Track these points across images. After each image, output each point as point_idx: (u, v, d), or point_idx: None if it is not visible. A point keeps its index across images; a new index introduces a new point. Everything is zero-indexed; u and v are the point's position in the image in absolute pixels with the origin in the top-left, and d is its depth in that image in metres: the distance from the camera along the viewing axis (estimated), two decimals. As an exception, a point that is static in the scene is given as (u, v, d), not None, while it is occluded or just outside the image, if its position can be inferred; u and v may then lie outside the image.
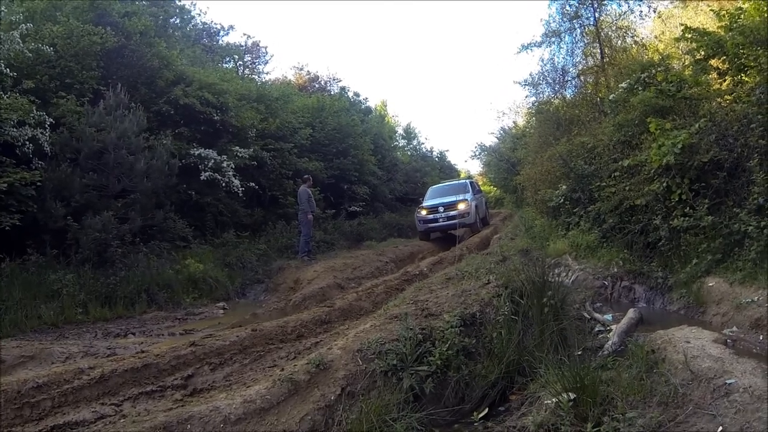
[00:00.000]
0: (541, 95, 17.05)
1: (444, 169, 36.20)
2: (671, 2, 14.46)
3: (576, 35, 14.82)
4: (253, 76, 26.33)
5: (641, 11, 14.39)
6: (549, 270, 5.79)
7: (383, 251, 14.10)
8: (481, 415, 4.08)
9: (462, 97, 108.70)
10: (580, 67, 15.25)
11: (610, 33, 14.57)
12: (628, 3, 14.22)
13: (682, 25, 8.19)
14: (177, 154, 11.74)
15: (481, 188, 23.79)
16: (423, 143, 39.23)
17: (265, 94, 17.00)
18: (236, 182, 12.90)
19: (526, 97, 34.50)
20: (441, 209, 15.83)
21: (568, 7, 14.41)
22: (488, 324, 5.08)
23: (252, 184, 13.91)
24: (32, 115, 9.09)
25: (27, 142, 8.93)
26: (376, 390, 4.11)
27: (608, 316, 5.76)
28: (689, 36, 7.64)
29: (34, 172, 8.86)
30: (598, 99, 13.29)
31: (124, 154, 10.04)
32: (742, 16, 7.33)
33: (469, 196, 16.56)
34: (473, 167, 45.10)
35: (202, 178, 12.33)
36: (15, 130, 8.81)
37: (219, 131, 13.61)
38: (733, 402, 2.93)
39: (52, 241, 8.88)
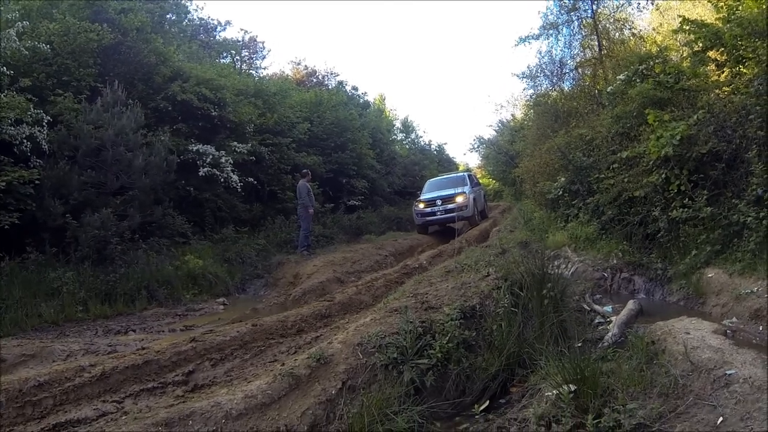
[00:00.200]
0: (539, 88, 17.10)
1: (442, 163, 36.11)
2: (669, -7, 14.44)
3: (574, 27, 14.83)
4: (251, 71, 26.26)
5: (639, 3, 14.45)
6: (548, 262, 5.80)
7: (382, 245, 14.09)
8: (482, 408, 4.09)
9: (460, 90, 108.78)
10: (578, 59, 15.24)
11: (607, 25, 14.56)
12: (625, -6, 14.22)
13: (680, 16, 8.17)
14: (175, 151, 11.72)
15: (480, 181, 23.75)
16: (421, 136, 39.22)
17: (262, 89, 16.98)
18: (235, 178, 12.89)
19: (524, 89, 34.52)
20: (439, 202, 15.79)
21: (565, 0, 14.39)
22: (488, 316, 5.08)
23: (250, 179, 13.91)
24: (29, 113, 9.06)
25: (25, 141, 8.91)
26: (377, 383, 4.11)
27: (608, 308, 5.78)
28: (687, 28, 7.63)
29: (32, 171, 8.84)
30: (596, 91, 13.28)
31: (122, 151, 10.02)
32: (740, 7, 7.31)
33: (467, 188, 16.49)
34: (472, 160, 45.12)
35: (200, 173, 12.33)
36: (12, 128, 8.79)
37: (217, 127, 13.58)
38: (734, 393, 2.94)
39: (52, 239, 8.87)
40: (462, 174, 19.57)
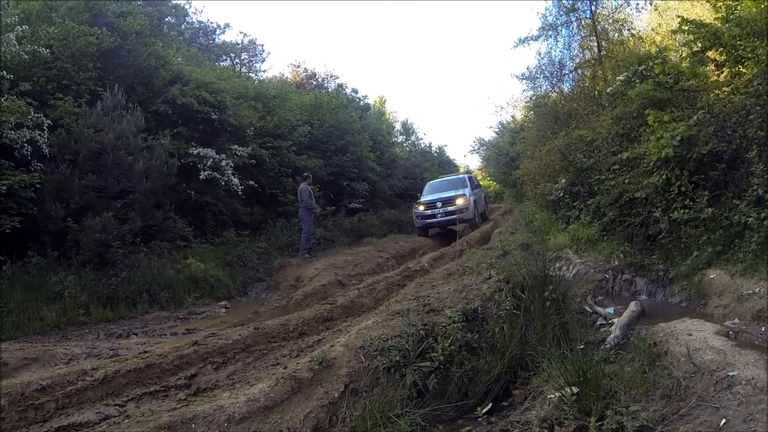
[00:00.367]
0: (538, 89, 17.12)
1: (443, 165, 36.12)
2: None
3: (573, 28, 14.83)
4: (251, 74, 26.33)
5: (638, 4, 14.45)
6: (550, 264, 5.81)
7: (384, 247, 14.10)
8: (484, 411, 4.09)
9: (460, 92, 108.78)
10: (578, 60, 15.25)
11: (606, 26, 14.57)
12: (624, -5, 14.23)
13: (678, 17, 8.17)
14: (176, 154, 11.73)
15: (481, 183, 23.75)
16: (422, 139, 39.30)
17: (262, 92, 16.99)
18: (235, 181, 12.89)
19: (523, 91, 34.68)
20: (439, 204, 15.79)
21: (564, 1, 14.41)
22: (490, 319, 5.09)
23: (251, 182, 13.90)
24: (30, 117, 9.06)
25: (25, 145, 8.91)
26: (380, 386, 4.12)
27: (610, 310, 5.77)
28: (686, 28, 7.62)
29: (33, 174, 8.84)
30: (596, 92, 13.29)
31: (122, 155, 10.02)
32: (739, 7, 7.32)
33: (467, 191, 16.45)
34: (472, 162, 45.20)
35: (201, 177, 12.32)
36: (13, 132, 8.79)
37: (217, 130, 13.59)
38: (736, 394, 2.94)
39: (53, 242, 8.86)
40: (462, 176, 19.54)
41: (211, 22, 26.85)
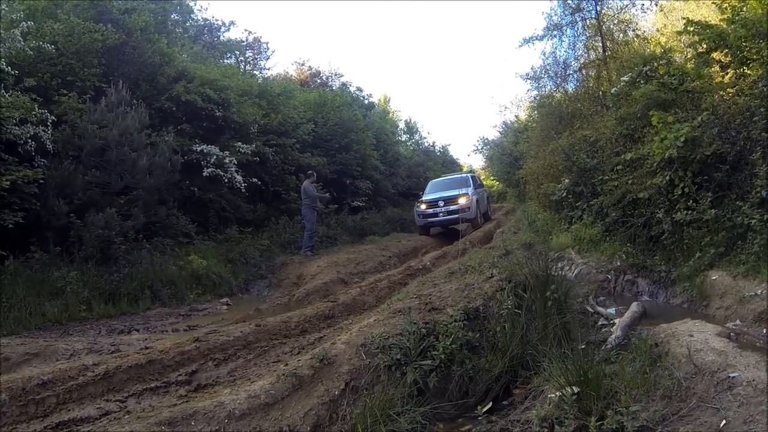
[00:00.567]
0: (543, 89, 17.11)
1: (446, 164, 36.04)
2: (673, -5, 14.42)
3: (578, 28, 14.84)
4: (255, 71, 26.25)
5: (643, 4, 14.47)
6: (552, 264, 5.80)
7: (386, 246, 14.10)
8: (485, 409, 4.10)
9: (464, 91, 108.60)
10: (582, 60, 15.26)
11: (611, 26, 14.55)
12: (629, -4, 14.21)
13: (684, 18, 8.15)
14: (179, 151, 11.73)
15: (484, 182, 23.70)
16: (425, 138, 39.20)
17: (266, 89, 16.97)
18: (239, 178, 12.90)
19: (528, 90, 34.61)
20: (441, 203, 15.72)
21: (569, 1, 14.39)
22: (492, 318, 5.08)
23: (254, 179, 13.91)
24: (34, 113, 9.09)
25: (29, 140, 8.93)
26: (380, 384, 4.12)
27: (611, 310, 5.77)
28: (691, 29, 7.60)
29: (36, 170, 8.87)
30: (600, 92, 13.29)
31: (126, 151, 10.04)
32: (744, 8, 7.30)
33: (470, 190, 16.38)
34: (476, 161, 45.13)
35: (204, 174, 12.34)
36: (17, 128, 8.81)
37: (221, 127, 13.60)
38: (737, 395, 2.93)
39: (56, 238, 8.89)
40: (465, 175, 19.47)
41: (216, 20, 26.81)
